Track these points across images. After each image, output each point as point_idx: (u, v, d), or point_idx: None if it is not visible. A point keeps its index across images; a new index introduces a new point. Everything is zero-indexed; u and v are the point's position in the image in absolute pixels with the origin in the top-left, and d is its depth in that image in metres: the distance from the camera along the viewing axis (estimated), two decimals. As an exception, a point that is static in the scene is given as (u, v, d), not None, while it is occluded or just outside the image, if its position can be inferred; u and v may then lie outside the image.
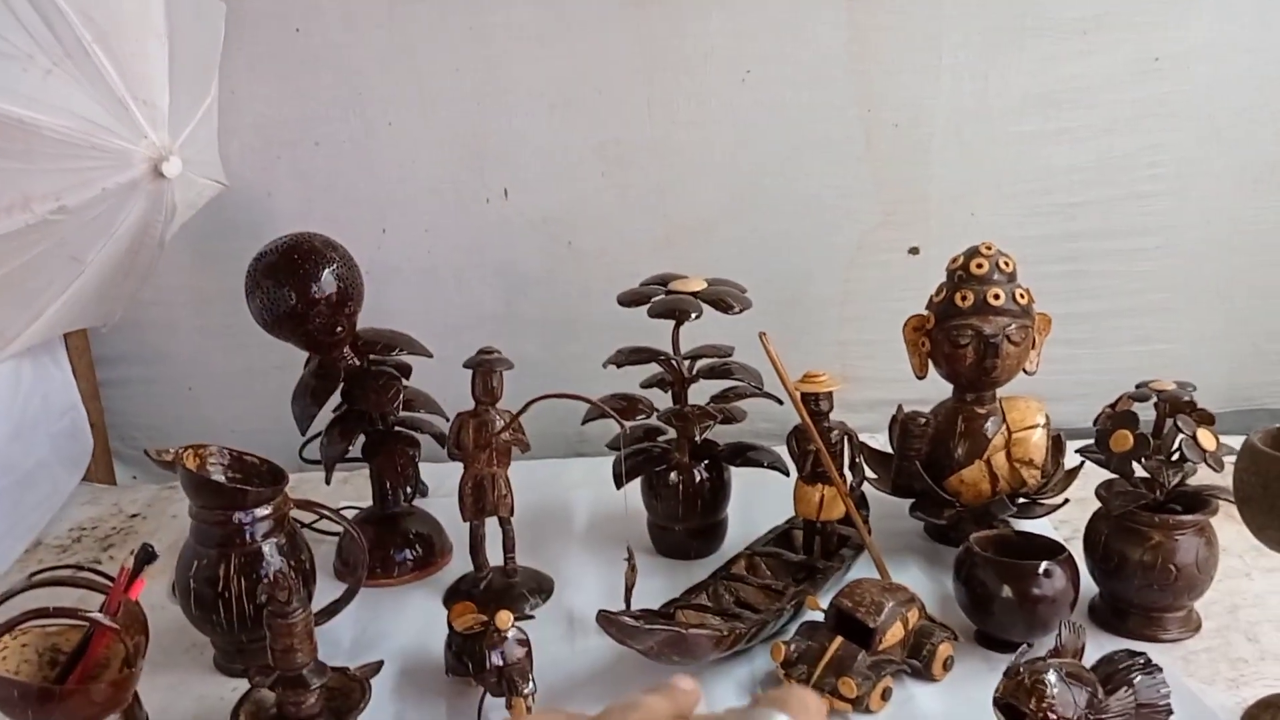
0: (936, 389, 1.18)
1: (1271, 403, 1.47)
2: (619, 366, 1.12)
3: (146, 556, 0.87)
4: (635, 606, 0.97)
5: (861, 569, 1.10)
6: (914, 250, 1.42)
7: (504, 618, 0.89)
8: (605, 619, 0.86)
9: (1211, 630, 1.00)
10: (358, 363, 1.11)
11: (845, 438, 1.09)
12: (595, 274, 1.41)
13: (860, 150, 1.38)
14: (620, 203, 1.40)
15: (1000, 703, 0.79)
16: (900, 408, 1.21)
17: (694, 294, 1.11)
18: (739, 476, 1.18)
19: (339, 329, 1.07)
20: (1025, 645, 0.84)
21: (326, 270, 1.06)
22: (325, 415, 1.14)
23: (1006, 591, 0.94)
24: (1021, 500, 1.13)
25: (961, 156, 1.38)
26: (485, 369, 1.04)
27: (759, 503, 1.21)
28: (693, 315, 1.09)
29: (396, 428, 1.15)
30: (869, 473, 1.16)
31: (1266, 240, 1.42)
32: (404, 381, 1.13)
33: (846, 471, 1.10)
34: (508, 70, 1.34)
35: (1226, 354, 1.46)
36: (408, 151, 1.37)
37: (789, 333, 1.44)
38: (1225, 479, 0.96)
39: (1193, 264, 1.42)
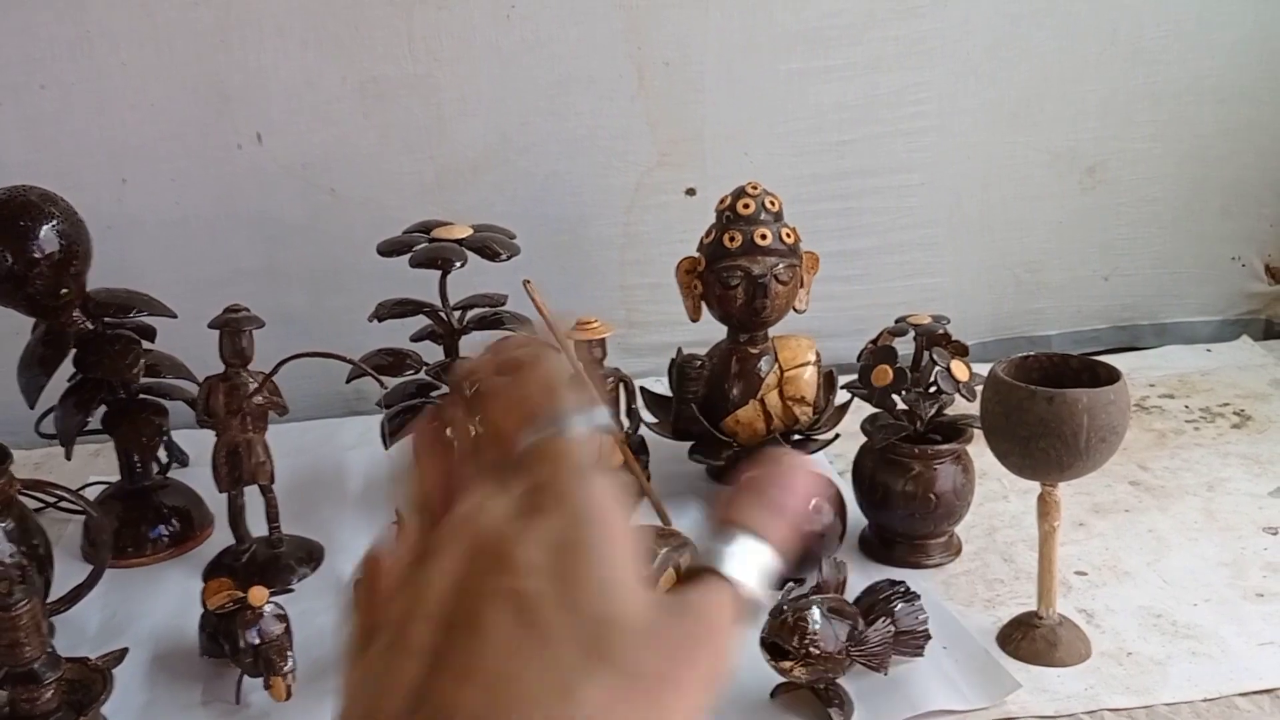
0: (719, 330, 1.18)
1: (1031, 330, 1.55)
2: (381, 320, 1.07)
3: None
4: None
5: (644, 517, 1.09)
6: (691, 191, 1.41)
7: (258, 593, 0.84)
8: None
9: (971, 553, 1.04)
10: (91, 327, 1.02)
11: (620, 384, 1.07)
12: (360, 222, 1.34)
13: (633, 89, 1.35)
14: (383, 146, 1.33)
15: (766, 641, 0.79)
16: (679, 351, 1.20)
17: (458, 241, 1.06)
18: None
19: (64, 290, 0.98)
20: (790, 584, 0.85)
21: (45, 226, 0.96)
22: (60, 385, 1.05)
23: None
24: (796, 437, 1.14)
25: (733, 95, 1.38)
26: (232, 328, 0.97)
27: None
28: (457, 264, 1.04)
29: (141, 395, 1.07)
30: (648, 417, 1.16)
31: (1021, 174, 1.48)
32: (145, 345, 1.04)
33: (623, 418, 1.08)
34: (250, 3, 1.25)
35: (989, 285, 1.52)
36: (146, 94, 1.26)
37: (569, 277, 1.42)
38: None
39: (955, 199, 1.47)
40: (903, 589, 0.86)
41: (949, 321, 1.01)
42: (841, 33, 1.37)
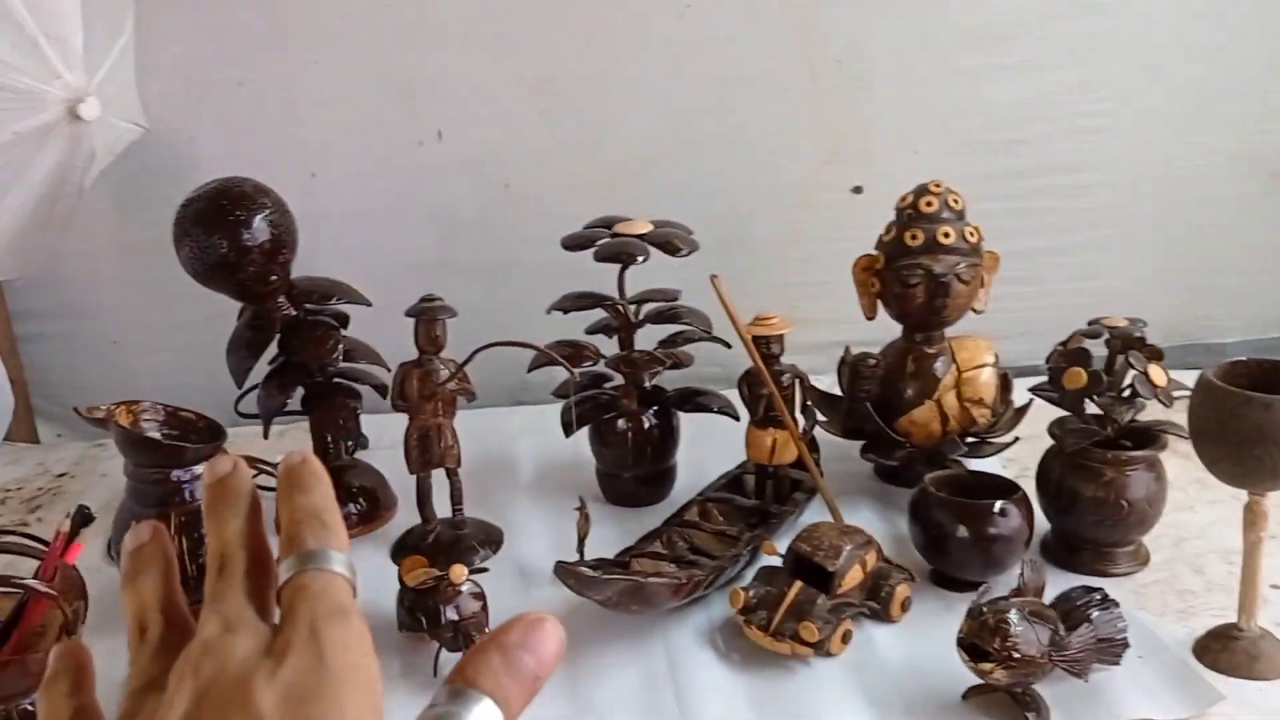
0: (883, 330, 1.18)
1: (1207, 337, 1.50)
2: (565, 312, 1.10)
3: (83, 519, 0.82)
4: (588, 556, 0.96)
5: (814, 513, 1.09)
6: (858, 189, 1.40)
7: (458, 571, 0.87)
8: (563, 570, 0.84)
9: (1159, 563, 1.01)
10: (294, 313, 1.07)
11: (797, 381, 1.07)
12: (532, 217, 1.38)
13: (804, 86, 1.35)
14: (557, 142, 1.36)
15: (964, 643, 0.79)
16: (848, 349, 1.20)
17: (640, 236, 1.08)
18: (687, 422, 1.16)
19: (273, 278, 1.03)
20: (985, 585, 0.84)
21: (259, 216, 1.01)
22: (260, 367, 1.10)
23: (962, 531, 0.94)
24: (971, 439, 1.13)
25: (904, 92, 1.37)
26: (429, 317, 1.01)
27: (707, 448, 1.20)
28: (639, 259, 1.06)
29: (336, 379, 1.11)
30: (819, 415, 1.16)
31: (1200, 176, 1.43)
32: (343, 332, 1.09)
33: (798, 415, 1.09)
34: (439, 4, 1.29)
35: (1164, 289, 1.47)
36: (335, 92, 1.32)
37: (731, 273, 1.40)
38: (1171, 414, 0.98)
39: (1131, 200, 1.43)
40: (1099, 596, 0.85)
41: (1145, 325, 0.99)
42: (1017, 28, 1.35)
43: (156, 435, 0.92)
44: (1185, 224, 1.45)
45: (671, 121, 1.36)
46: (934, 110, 1.38)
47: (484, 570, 0.91)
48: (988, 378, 1.12)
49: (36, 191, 1.03)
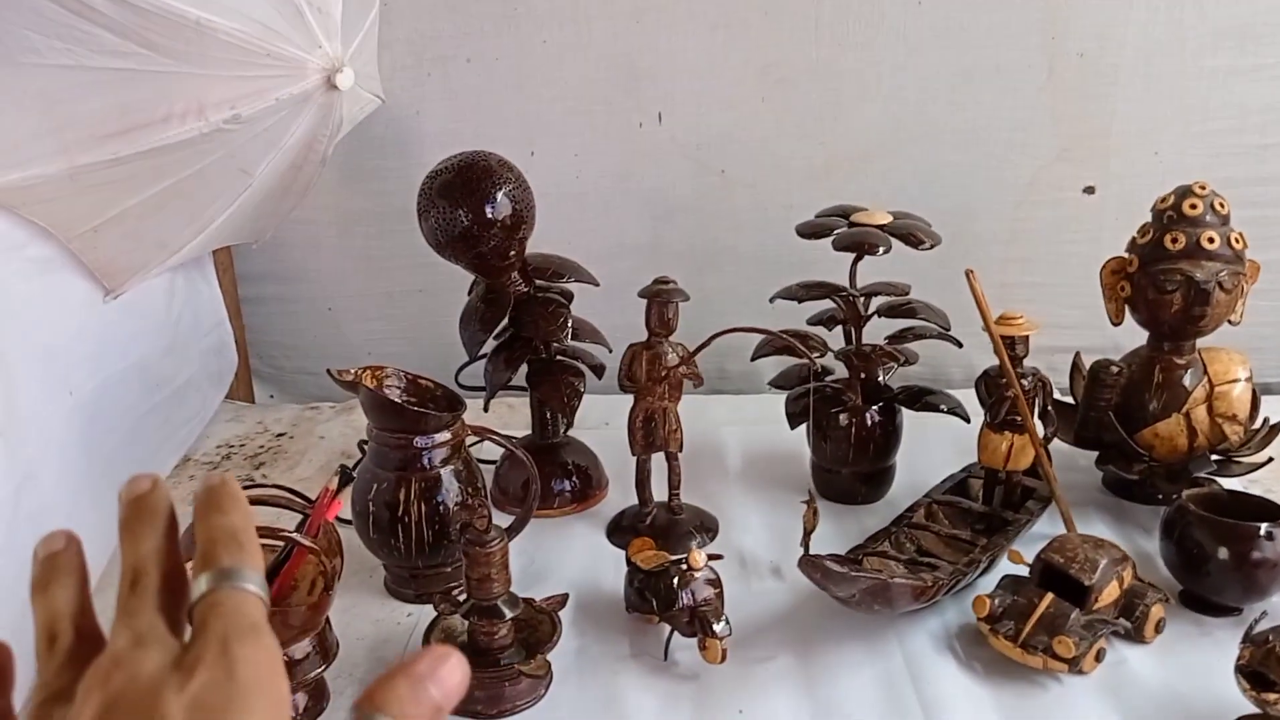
0: (1099, 336, 1.13)
1: None
2: (799, 301, 1.07)
3: (347, 478, 0.84)
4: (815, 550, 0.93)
5: (1046, 523, 1.04)
6: (1089, 189, 1.34)
7: (697, 557, 0.86)
8: (809, 564, 0.82)
9: None
10: (525, 289, 1.07)
11: (1040, 384, 1.03)
12: (745, 204, 1.36)
13: (1041, 80, 1.30)
14: (777, 130, 1.33)
15: (1245, 670, 0.74)
16: (1078, 355, 1.15)
17: (880, 227, 1.05)
18: (908, 421, 1.13)
19: (512, 253, 1.03)
20: (1263, 612, 0.79)
21: (501, 191, 1.01)
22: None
23: (1223, 553, 0.88)
24: (1218, 457, 1.06)
25: (1148, 91, 1.30)
26: (662, 299, 1.00)
27: (926, 449, 1.16)
28: (880, 249, 1.03)
29: (560, 356, 1.11)
30: (1051, 422, 1.11)
31: None
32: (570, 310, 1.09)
33: (1036, 420, 1.04)
34: (667, -15, 1.28)
35: None
36: (561, 71, 1.32)
37: (946, 271, 1.37)
38: None
39: (1389, 213, 1.33)
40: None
41: None
42: (1274, 30, 1.27)
43: (398, 401, 0.93)
44: None
45: (897, 113, 1.32)
46: (1178, 111, 1.30)
47: (719, 557, 0.90)
48: (1241, 392, 1.05)
49: (288, 158, 1.06)
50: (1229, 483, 1.07)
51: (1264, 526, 0.88)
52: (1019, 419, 1.00)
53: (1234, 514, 0.91)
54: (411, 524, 0.91)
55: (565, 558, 1.03)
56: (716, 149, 1.35)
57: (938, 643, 0.89)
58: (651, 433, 1.03)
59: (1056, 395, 1.11)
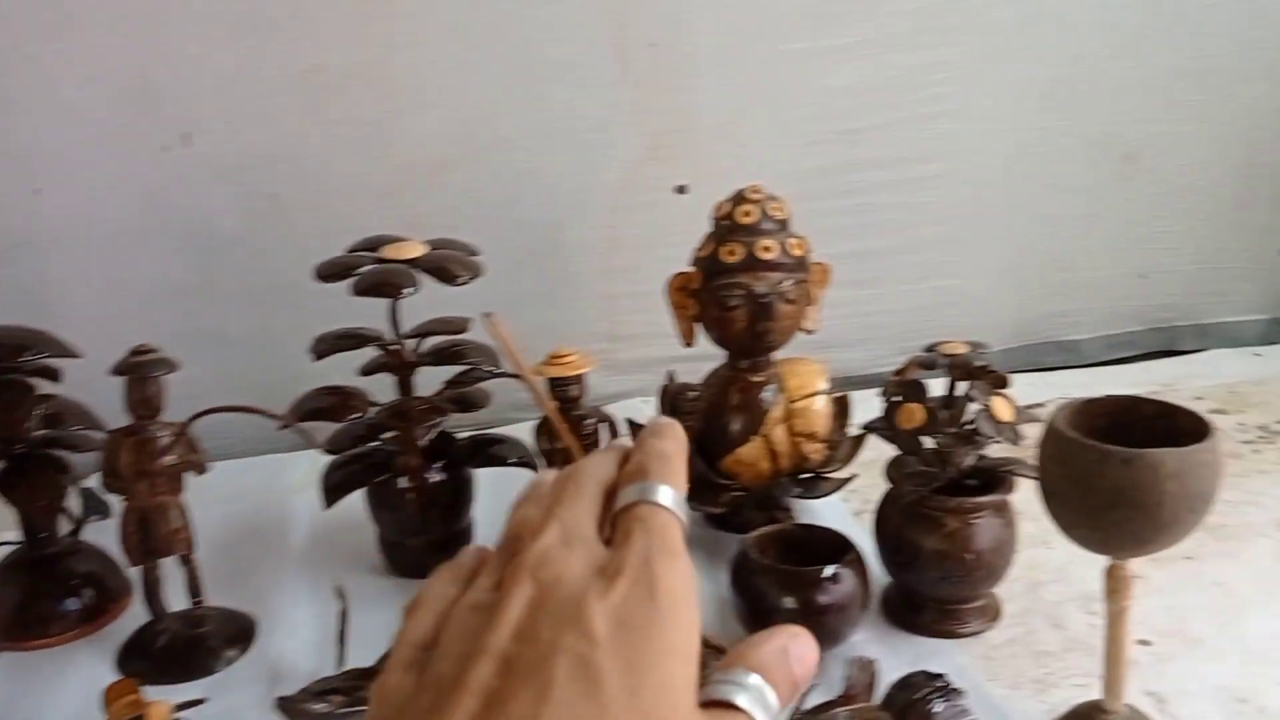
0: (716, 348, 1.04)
1: (1060, 335, 1.40)
2: (320, 357, 0.92)
3: None
4: (354, 659, 0.79)
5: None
6: (682, 189, 1.25)
7: (158, 712, 0.69)
8: (285, 707, 0.67)
9: (1013, 616, 0.89)
10: (-24, 375, 0.87)
11: (600, 425, 0.92)
12: (307, 230, 1.18)
13: (615, 74, 1.19)
14: (332, 144, 1.17)
15: None
16: (670, 377, 1.05)
17: (409, 261, 0.90)
18: (485, 471, 1.00)
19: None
20: (814, 684, 0.70)
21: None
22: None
23: (789, 602, 0.80)
24: (806, 475, 1.00)
25: (729, 80, 1.22)
26: (138, 375, 0.82)
27: (510, 501, 1.04)
28: (405, 291, 0.88)
29: (44, 449, 0.91)
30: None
31: (1051, 163, 1.33)
32: (47, 391, 0.89)
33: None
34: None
35: (1014, 286, 1.37)
36: (57, 92, 1.10)
37: (545, 286, 1.26)
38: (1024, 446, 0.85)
39: (977, 191, 1.31)
40: (942, 684, 0.72)
41: (987, 348, 0.86)
42: (851, 7, 1.22)
43: None
44: (1036, 215, 1.34)
45: (465, 116, 1.19)
46: (761, 99, 1.23)
47: (198, 703, 0.73)
48: (820, 407, 0.98)
49: None
50: (827, 502, 1.00)
51: (829, 569, 0.80)
52: (580, 468, 0.89)
53: (806, 551, 0.83)
54: None
55: (56, 701, 0.84)
56: (263, 170, 1.17)
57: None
58: (149, 537, 0.85)
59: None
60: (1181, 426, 0.68)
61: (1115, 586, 0.71)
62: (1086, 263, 1.37)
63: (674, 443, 0.40)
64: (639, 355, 1.27)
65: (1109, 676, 0.73)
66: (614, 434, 0.92)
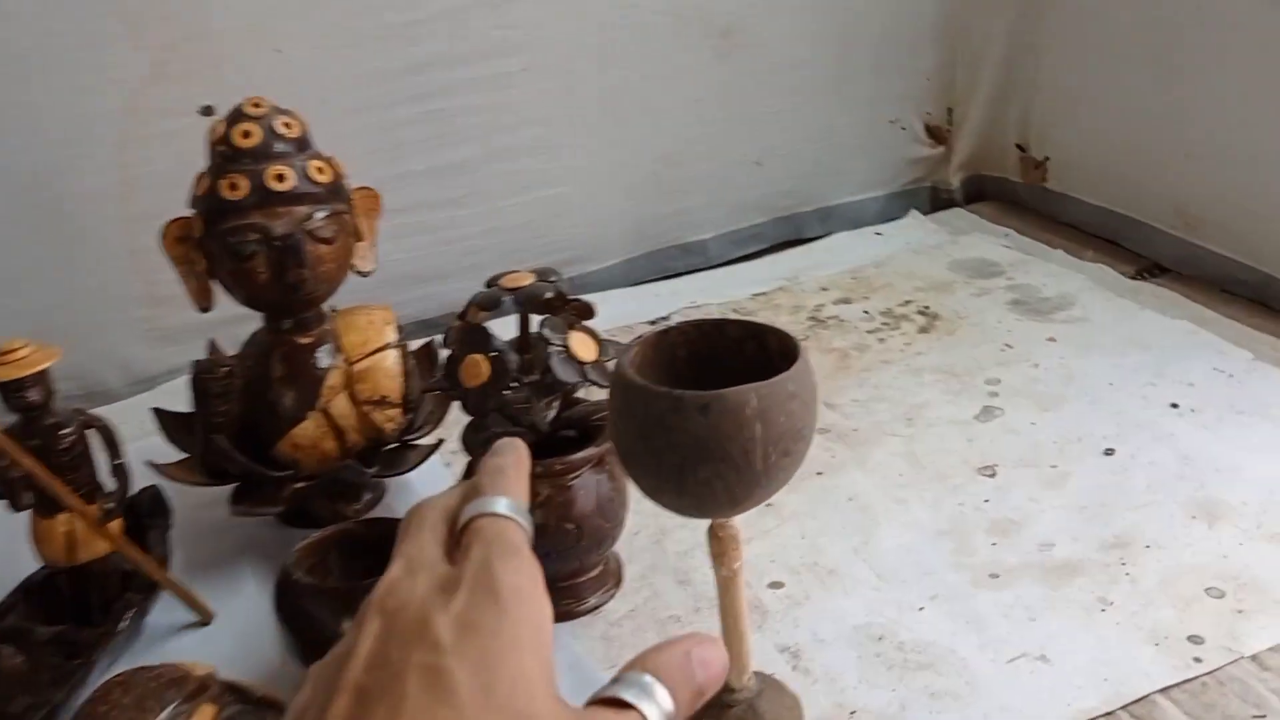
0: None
1: (682, 236, 1.29)
2: None
3: None
4: None
5: (167, 614, 0.74)
6: (208, 110, 0.99)
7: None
8: None
9: (636, 578, 0.77)
10: None
11: (86, 431, 0.70)
12: None
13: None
14: None
15: None
16: (212, 346, 0.84)
17: None
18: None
19: None
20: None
21: None
22: None
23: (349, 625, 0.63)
24: (387, 448, 0.82)
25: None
26: None
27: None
28: None
29: None
30: (174, 453, 0.80)
31: (644, 45, 1.19)
32: None
33: (107, 480, 0.71)
34: None
35: (624, 189, 1.24)
36: None
37: (56, 250, 1.02)
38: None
39: (567, 85, 1.16)
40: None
41: (559, 277, 0.71)
42: None
43: None
44: (636, 106, 1.21)
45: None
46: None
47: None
48: (391, 364, 0.81)
49: None
50: (429, 474, 0.84)
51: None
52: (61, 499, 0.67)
53: (376, 553, 0.66)
54: None
55: None
56: None
57: None
58: None
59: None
60: (770, 349, 0.56)
61: (720, 549, 0.59)
62: (698, 154, 1.26)
63: (511, 457, 0.41)
64: (190, 320, 1.03)
65: (731, 651, 0.62)
66: (108, 440, 0.70)
